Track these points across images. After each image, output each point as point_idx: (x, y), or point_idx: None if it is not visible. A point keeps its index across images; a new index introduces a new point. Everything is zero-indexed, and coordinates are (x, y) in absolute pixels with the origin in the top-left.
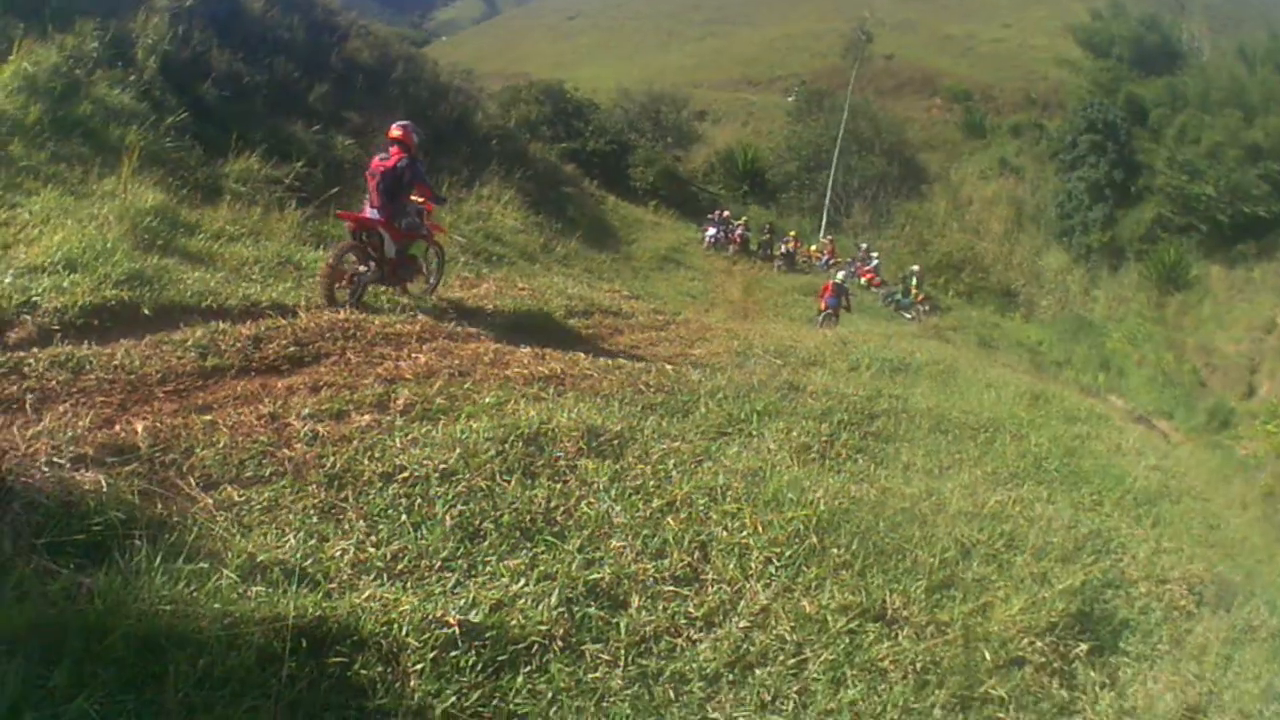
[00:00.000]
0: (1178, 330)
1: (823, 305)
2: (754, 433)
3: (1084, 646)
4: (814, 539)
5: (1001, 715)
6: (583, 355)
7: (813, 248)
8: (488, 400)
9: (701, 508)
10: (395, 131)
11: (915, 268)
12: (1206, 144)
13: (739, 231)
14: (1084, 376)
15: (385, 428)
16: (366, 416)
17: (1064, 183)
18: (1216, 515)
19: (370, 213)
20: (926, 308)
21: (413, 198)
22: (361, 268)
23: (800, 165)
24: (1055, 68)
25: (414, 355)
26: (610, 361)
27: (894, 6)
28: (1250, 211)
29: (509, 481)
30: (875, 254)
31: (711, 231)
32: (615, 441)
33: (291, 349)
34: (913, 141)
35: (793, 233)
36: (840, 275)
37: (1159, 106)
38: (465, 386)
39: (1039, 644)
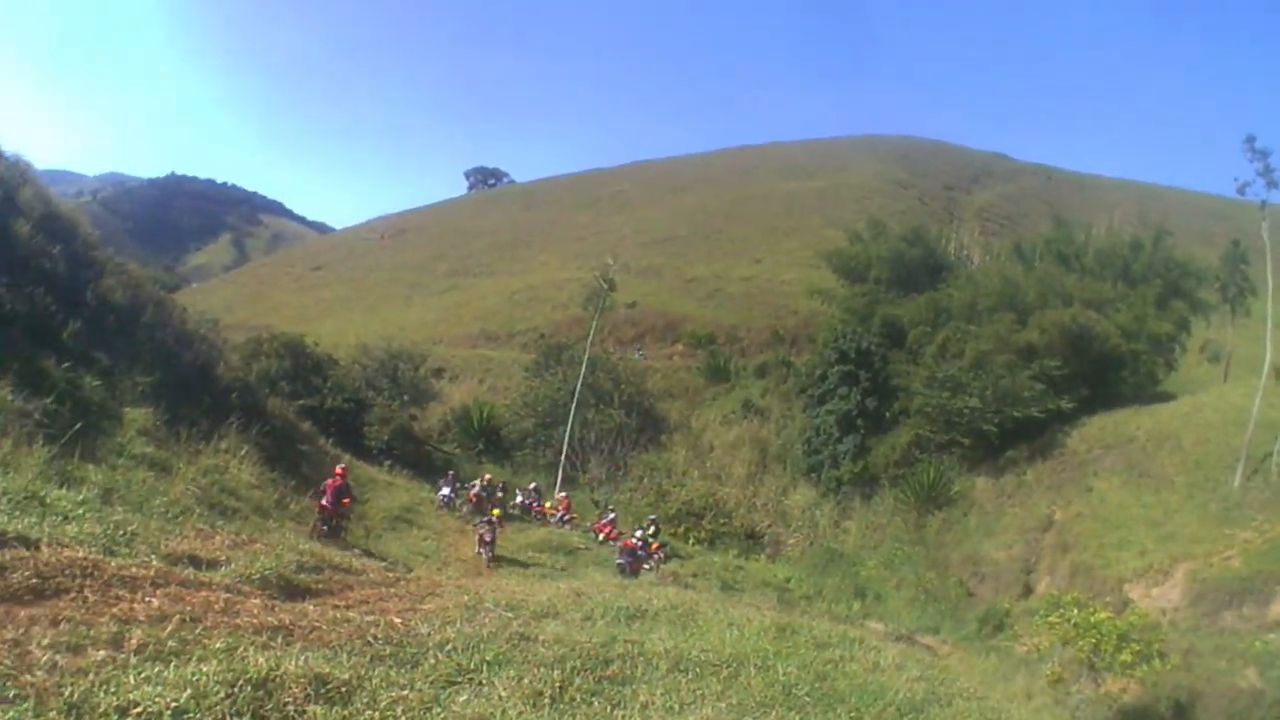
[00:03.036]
0: (940, 548)
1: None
2: (484, 681)
3: None
4: None
5: None
6: (311, 608)
7: (548, 504)
8: (218, 645)
9: None
10: (339, 469)
11: (653, 517)
12: (971, 354)
13: (474, 491)
14: (838, 607)
15: (120, 664)
16: (102, 652)
17: (812, 418)
18: (996, 710)
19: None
20: (661, 556)
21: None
22: (324, 528)
23: (537, 421)
24: (806, 300)
25: (148, 599)
26: (339, 614)
27: (641, 251)
28: (1020, 415)
29: None
30: (612, 508)
31: (445, 491)
32: (343, 689)
33: (34, 581)
34: (653, 390)
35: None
36: (637, 535)
37: (918, 325)
38: (197, 631)
39: None
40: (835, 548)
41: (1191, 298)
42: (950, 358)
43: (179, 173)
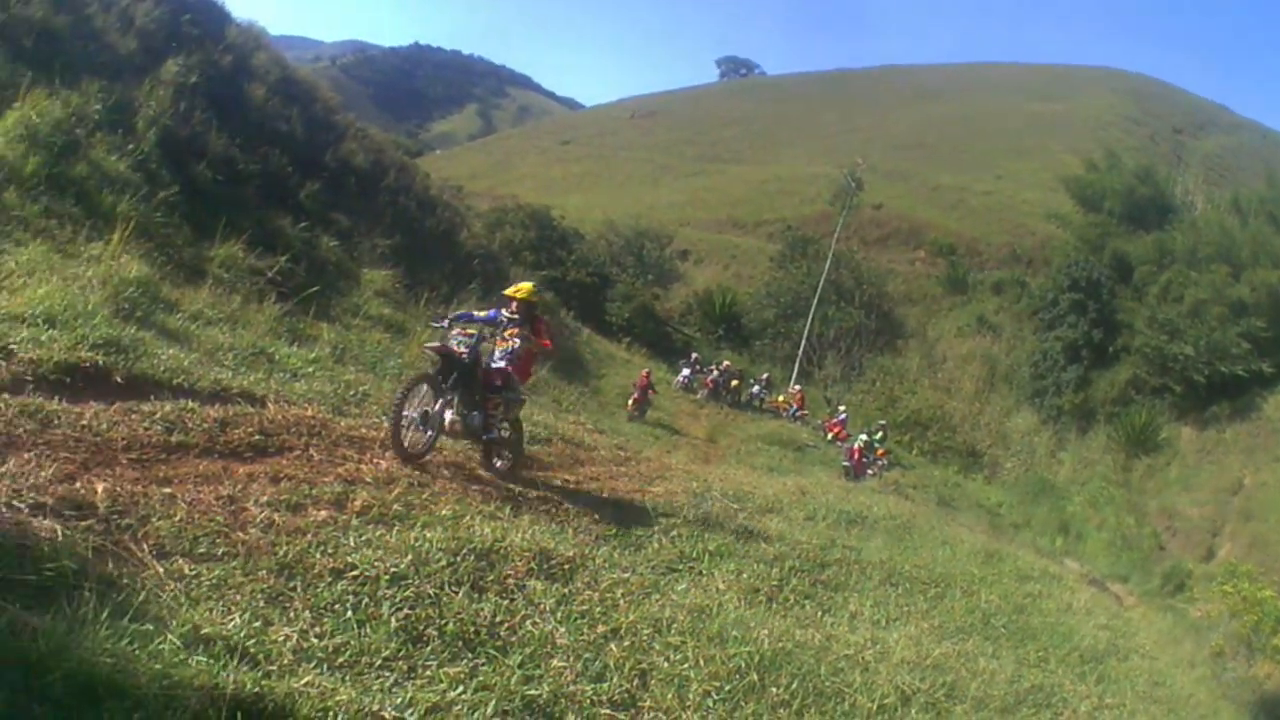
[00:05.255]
0: (1141, 494)
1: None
2: (704, 571)
3: None
4: (754, 676)
5: None
6: (541, 479)
7: (780, 398)
8: (444, 512)
9: (645, 637)
10: (645, 372)
11: (883, 422)
12: (1190, 301)
13: (711, 376)
14: (1042, 540)
15: (340, 526)
16: (323, 512)
17: (1041, 342)
18: (1163, 673)
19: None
20: (886, 463)
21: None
22: (636, 413)
23: (778, 313)
24: (1044, 222)
25: (376, 460)
26: (568, 490)
27: (888, 154)
28: (1228, 371)
29: (457, 592)
30: (844, 408)
31: (685, 373)
32: (566, 566)
33: (257, 437)
34: (893, 294)
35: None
36: (863, 438)
37: (1145, 264)
38: (424, 496)
39: None
40: (1048, 478)
41: None
42: (1170, 301)
43: (422, 43)
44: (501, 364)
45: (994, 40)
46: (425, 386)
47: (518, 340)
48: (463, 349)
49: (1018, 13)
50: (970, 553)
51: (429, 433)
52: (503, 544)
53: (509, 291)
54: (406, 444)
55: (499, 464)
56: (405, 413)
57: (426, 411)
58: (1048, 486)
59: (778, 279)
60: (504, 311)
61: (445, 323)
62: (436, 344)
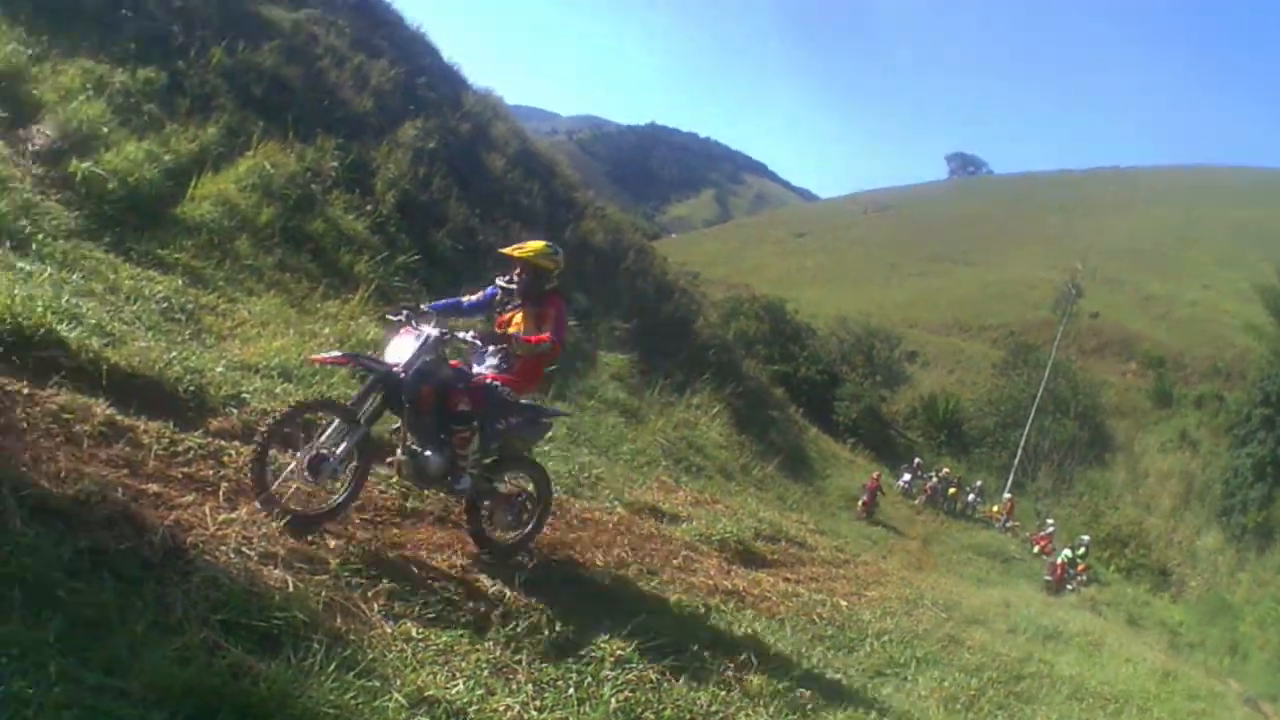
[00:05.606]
0: None
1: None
2: (909, 677)
3: None
4: None
5: None
6: (765, 577)
7: (994, 508)
8: (671, 600)
9: None
10: (875, 475)
11: (1086, 538)
12: None
13: (930, 483)
14: (1212, 660)
15: (569, 605)
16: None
17: (1233, 459)
18: None
19: None
20: (1085, 579)
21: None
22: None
23: (998, 421)
24: (1243, 334)
25: (608, 543)
26: (790, 588)
27: (1105, 259)
28: None
29: (677, 680)
30: (1051, 520)
31: (906, 478)
32: (783, 663)
33: None
34: (1105, 406)
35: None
36: (1066, 553)
37: None
38: (653, 584)
39: None
40: (1226, 597)
41: None
42: None
43: (659, 123)
44: (485, 370)
45: (1206, 142)
46: (331, 417)
47: (495, 345)
48: (398, 361)
49: (1231, 115)
50: (1149, 671)
51: (343, 497)
52: (725, 636)
53: (509, 250)
54: (287, 501)
55: (497, 533)
56: (299, 454)
57: (322, 455)
58: (1224, 606)
59: (999, 386)
60: (501, 281)
61: (403, 315)
62: (337, 354)
